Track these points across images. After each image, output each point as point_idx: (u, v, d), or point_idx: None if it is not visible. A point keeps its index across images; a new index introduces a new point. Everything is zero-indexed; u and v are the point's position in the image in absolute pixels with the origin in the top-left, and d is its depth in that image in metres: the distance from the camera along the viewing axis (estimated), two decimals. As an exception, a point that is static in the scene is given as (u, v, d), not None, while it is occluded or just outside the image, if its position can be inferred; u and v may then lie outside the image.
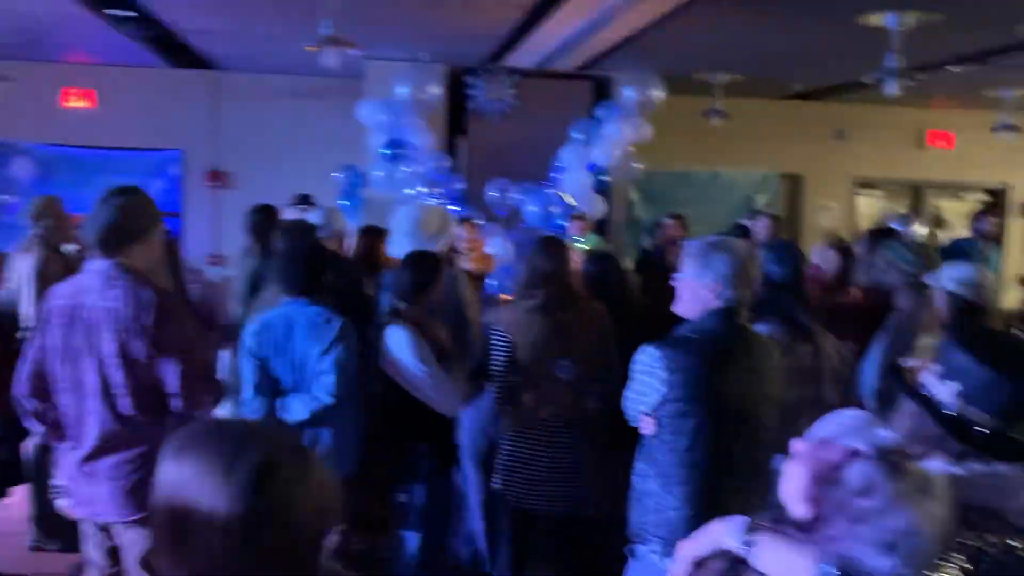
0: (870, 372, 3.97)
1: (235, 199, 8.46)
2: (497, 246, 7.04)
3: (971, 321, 3.46)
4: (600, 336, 3.39)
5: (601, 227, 8.66)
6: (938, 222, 11.01)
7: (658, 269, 7.38)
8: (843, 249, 5.75)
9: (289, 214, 5.62)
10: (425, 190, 7.41)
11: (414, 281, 3.62)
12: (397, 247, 4.40)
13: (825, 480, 1.62)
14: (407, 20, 6.22)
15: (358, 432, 3.67)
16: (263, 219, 5.18)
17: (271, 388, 3.57)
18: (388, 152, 7.22)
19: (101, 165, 8.78)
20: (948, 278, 3.60)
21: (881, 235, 5.15)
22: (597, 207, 7.94)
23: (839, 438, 1.66)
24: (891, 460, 1.59)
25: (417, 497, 3.61)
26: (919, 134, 10.20)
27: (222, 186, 8.91)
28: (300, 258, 3.63)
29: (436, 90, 7.47)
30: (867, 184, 10.42)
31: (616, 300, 3.82)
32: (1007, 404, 1.63)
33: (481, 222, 7.15)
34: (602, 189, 8.01)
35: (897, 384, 1.78)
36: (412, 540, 3.63)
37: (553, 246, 3.53)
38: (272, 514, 1.21)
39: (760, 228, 6.54)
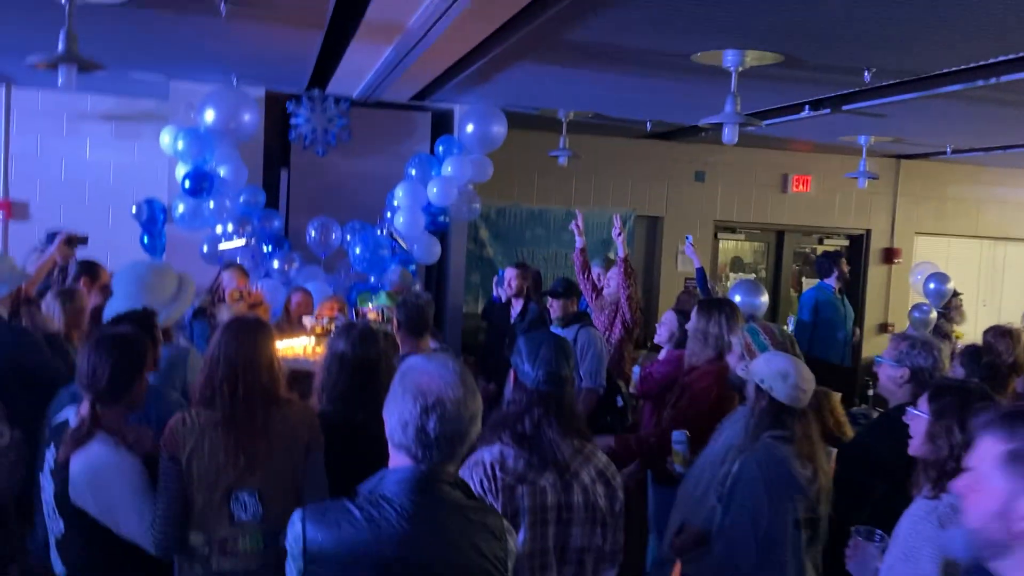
0: (693, 480, 3.35)
1: (30, 232, 7.44)
2: (320, 292, 6.27)
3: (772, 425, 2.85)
4: (305, 451, 2.52)
5: (440, 271, 7.99)
6: (807, 261, 10.69)
7: (498, 322, 6.71)
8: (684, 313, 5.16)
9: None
10: (232, 228, 6.60)
11: (112, 375, 2.59)
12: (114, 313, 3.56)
13: None
14: (207, 37, 5.39)
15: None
16: None
17: None
18: (189, 184, 6.36)
19: None
20: (758, 371, 2.99)
21: (716, 307, 4.27)
22: (432, 250, 7.26)
23: None
24: None
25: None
26: (782, 177, 9.93)
27: (14, 217, 7.82)
28: None
29: (250, 116, 6.65)
30: (728, 227, 10.07)
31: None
32: None
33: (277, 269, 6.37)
34: (440, 230, 7.32)
35: None
36: None
37: (244, 330, 2.58)
38: None
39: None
